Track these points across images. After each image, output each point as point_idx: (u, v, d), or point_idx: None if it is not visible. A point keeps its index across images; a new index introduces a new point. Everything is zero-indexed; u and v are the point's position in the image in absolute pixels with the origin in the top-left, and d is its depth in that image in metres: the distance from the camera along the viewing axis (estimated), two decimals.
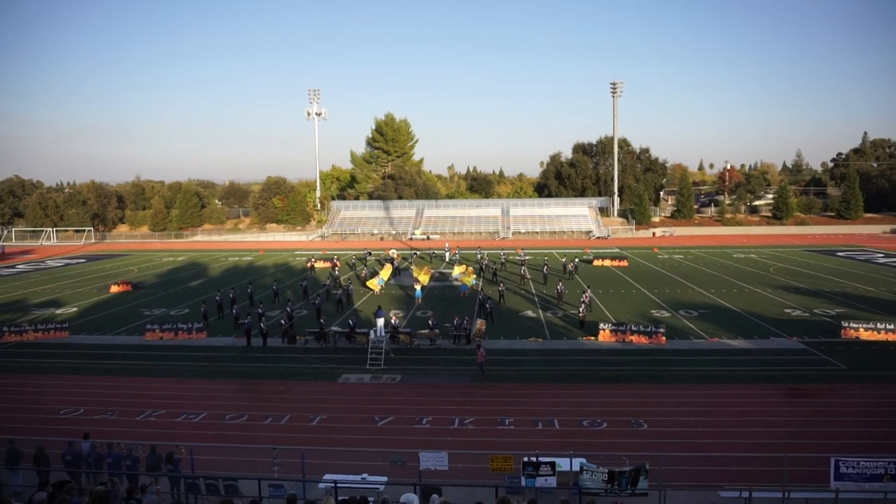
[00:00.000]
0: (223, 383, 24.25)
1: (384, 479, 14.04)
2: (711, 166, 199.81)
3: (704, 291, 41.84)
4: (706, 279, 47.26)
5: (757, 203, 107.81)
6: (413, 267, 49.03)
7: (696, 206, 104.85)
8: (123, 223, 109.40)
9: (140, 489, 11.81)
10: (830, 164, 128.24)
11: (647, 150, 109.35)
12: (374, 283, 43.69)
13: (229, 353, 28.62)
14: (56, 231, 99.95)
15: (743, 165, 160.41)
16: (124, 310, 39.10)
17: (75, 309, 39.67)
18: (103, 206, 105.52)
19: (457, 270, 46.29)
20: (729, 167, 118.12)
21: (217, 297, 37.16)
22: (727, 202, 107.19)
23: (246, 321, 30.45)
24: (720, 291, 41.71)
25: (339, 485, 13.19)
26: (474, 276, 43.58)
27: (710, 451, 16.95)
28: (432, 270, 46.27)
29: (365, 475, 14.20)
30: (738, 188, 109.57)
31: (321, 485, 13.83)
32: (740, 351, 27.13)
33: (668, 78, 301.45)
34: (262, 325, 30.21)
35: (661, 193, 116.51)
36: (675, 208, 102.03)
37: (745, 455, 16.36)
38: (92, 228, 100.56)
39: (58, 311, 38.81)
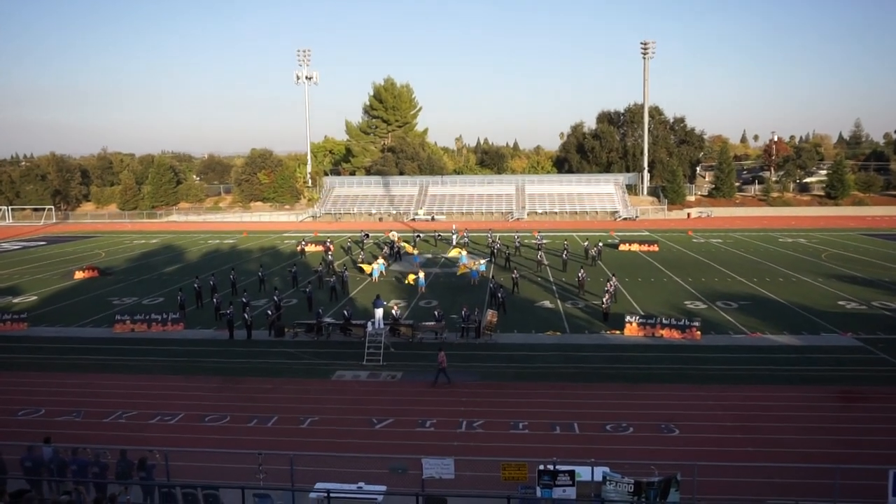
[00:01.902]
0: (202, 381, 24.41)
1: (383, 488, 14.14)
2: (756, 138, 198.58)
3: (745, 280, 41.72)
4: (748, 266, 47.10)
5: (808, 180, 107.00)
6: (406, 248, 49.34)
7: (737, 184, 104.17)
8: (88, 201, 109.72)
9: (109, 499, 11.93)
10: (894, 136, 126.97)
11: (681, 120, 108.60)
12: (372, 267, 43.91)
13: (209, 347, 28.79)
14: (11, 210, 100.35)
15: (792, 137, 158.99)
16: (90, 298, 39.35)
17: (35, 298, 39.95)
18: (65, 181, 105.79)
19: (453, 252, 46.58)
20: (776, 139, 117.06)
21: (195, 285, 37.33)
22: (773, 179, 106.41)
23: (228, 311, 30.58)
24: (763, 280, 41.57)
25: (332, 494, 13.29)
26: (477, 264, 43.51)
27: (750, 460, 16.96)
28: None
29: (361, 484, 14.30)
30: (786, 163, 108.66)
31: (312, 494, 13.93)
32: (786, 348, 27.08)
33: (706, 37, 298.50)
34: (245, 315, 30.32)
35: (698, 169, 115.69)
36: (714, 186, 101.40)
37: (791, 466, 16.37)
38: (53, 207, 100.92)
39: (15, 300, 39.10)
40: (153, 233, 79.15)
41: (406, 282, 40.13)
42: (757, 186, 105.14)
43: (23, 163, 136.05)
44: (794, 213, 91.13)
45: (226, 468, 16.45)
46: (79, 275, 46.67)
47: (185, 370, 25.66)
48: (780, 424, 19.36)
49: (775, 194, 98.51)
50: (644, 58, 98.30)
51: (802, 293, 37.45)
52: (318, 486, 14.05)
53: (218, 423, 20.39)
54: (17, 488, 12.68)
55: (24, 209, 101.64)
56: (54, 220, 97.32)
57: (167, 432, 19.56)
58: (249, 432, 19.54)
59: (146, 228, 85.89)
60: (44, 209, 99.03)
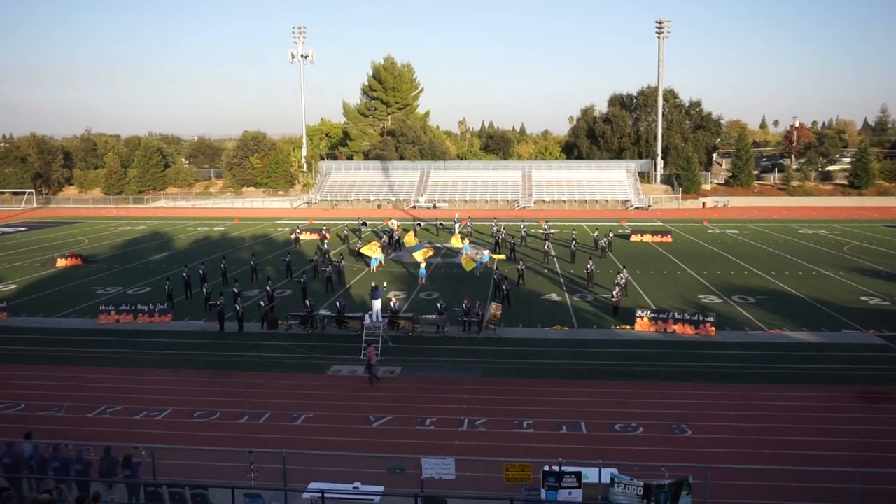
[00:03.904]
0: (191, 375, 24.48)
1: (380, 488, 14.19)
2: (776, 123, 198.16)
3: (763, 274, 41.68)
4: (766, 259, 47.04)
5: (830, 168, 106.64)
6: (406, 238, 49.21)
7: (755, 172, 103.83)
8: (71, 185, 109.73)
9: (92, 498, 11.98)
10: None
11: (697, 104, 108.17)
12: (373, 249, 43.80)
13: (198, 340, 28.86)
14: None
15: (814, 123, 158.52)
16: (73, 287, 39.41)
17: (14, 286, 40.02)
18: (47, 163, 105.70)
19: (456, 241, 46.28)
20: (797, 125, 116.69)
21: (184, 274, 37.35)
22: (794, 167, 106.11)
23: (218, 302, 30.61)
24: (782, 274, 41.53)
25: (326, 495, 13.34)
26: (480, 255, 43.41)
27: (765, 463, 17.01)
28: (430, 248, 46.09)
29: (357, 484, 14.35)
30: (807, 150, 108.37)
31: (306, 494, 13.99)
32: (805, 345, 27.09)
33: (724, 16, 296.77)
34: (237, 306, 30.39)
35: (714, 156, 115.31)
36: (731, 174, 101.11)
37: (808, 469, 16.40)
38: (33, 191, 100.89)
39: None
40: (139, 219, 79.16)
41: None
42: (777, 175, 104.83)
43: (1, 143, 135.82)
44: (815, 203, 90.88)
45: (215, 466, 16.52)
46: (61, 262, 46.70)
47: (172, 363, 25.71)
48: (797, 426, 19.39)
49: (796, 183, 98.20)
50: (658, 38, 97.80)
51: (823, 288, 37.41)
52: (312, 485, 14.09)
53: (207, 419, 20.45)
54: None
55: (2, 193, 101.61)
56: (35, 205, 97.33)
57: (153, 428, 19.63)
58: (240, 429, 19.59)
59: (132, 214, 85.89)
60: (24, 193, 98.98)
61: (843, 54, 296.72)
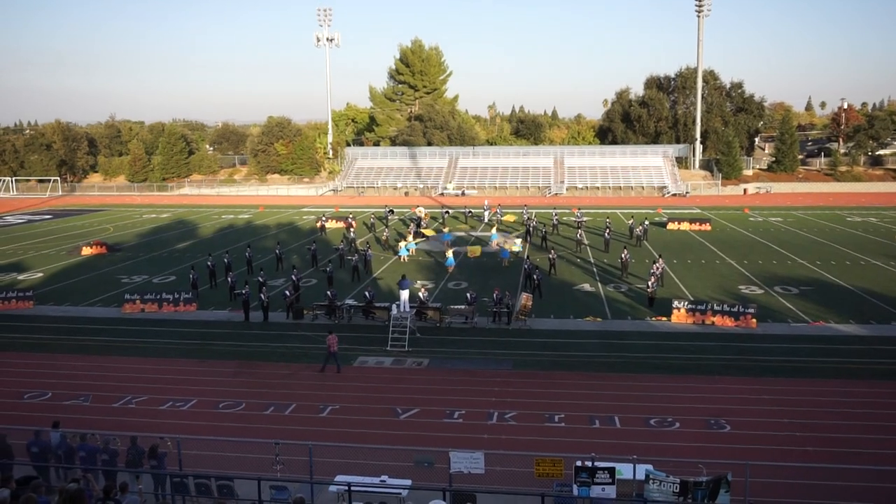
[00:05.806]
0: (216, 365, 24.83)
1: (407, 482, 14.28)
2: (823, 106, 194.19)
3: (808, 263, 41.06)
4: (811, 248, 46.32)
5: (881, 153, 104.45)
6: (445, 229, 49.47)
7: (800, 157, 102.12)
8: (96, 172, 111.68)
9: (119, 488, 12.23)
10: None
11: (739, 86, 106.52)
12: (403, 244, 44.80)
13: (223, 329, 29.26)
14: (15, 181, 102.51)
15: (864, 104, 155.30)
16: (98, 276, 40.17)
17: (40, 274, 40.89)
18: (71, 151, 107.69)
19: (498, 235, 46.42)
20: (846, 106, 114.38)
21: (209, 263, 37.85)
22: (842, 151, 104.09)
23: (243, 291, 30.96)
24: (828, 264, 40.86)
25: (353, 488, 13.46)
26: (510, 243, 43.47)
27: (809, 460, 16.79)
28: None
29: (384, 477, 14.47)
30: (856, 133, 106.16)
31: (332, 487, 14.15)
32: (852, 338, 26.66)
33: None
34: (262, 296, 30.70)
35: (757, 140, 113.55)
36: (774, 159, 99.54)
37: (855, 467, 16.15)
38: (58, 178, 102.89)
39: (20, 277, 40.08)
40: (164, 206, 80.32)
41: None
42: (823, 159, 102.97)
43: (27, 131, 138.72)
44: (864, 189, 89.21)
45: (241, 458, 16.74)
46: (86, 251, 47.62)
47: (198, 353, 26.12)
48: (843, 422, 19.11)
49: (844, 168, 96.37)
50: (698, 16, 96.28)
51: (872, 278, 36.74)
52: (339, 478, 14.26)
53: (233, 409, 20.75)
54: (24, 474, 13.06)
55: (28, 180, 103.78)
56: (60, 193, 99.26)
57: (179, 419, 19.97)
58: (266, 420, 19.85)
59: (156, 202, 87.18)
60: (49, 180, 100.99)
61: (894, 30, 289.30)
